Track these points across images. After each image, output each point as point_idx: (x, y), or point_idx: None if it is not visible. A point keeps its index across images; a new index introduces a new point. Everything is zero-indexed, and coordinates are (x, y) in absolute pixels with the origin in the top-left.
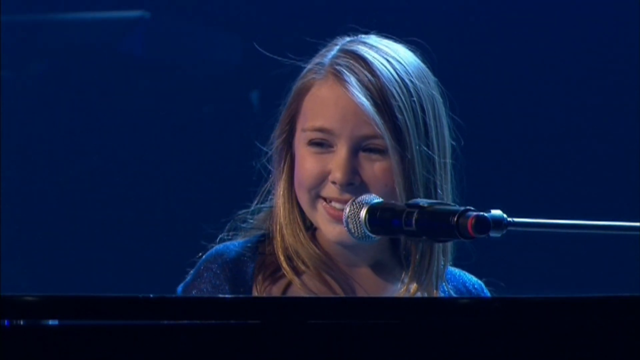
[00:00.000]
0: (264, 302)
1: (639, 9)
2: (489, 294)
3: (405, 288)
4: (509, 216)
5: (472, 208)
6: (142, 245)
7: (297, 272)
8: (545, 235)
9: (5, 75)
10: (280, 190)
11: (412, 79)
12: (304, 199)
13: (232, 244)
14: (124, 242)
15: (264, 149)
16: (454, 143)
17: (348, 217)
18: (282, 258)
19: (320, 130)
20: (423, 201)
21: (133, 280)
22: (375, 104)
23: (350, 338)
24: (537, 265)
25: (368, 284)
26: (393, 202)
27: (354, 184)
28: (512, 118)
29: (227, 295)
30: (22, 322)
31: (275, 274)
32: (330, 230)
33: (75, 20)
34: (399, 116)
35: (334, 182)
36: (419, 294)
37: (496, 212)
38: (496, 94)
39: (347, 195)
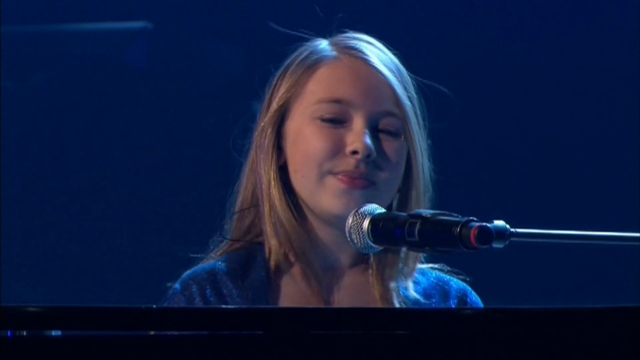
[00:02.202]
0: (267, 313)
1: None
2: (474, 297)
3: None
4: (511, 226)
5: (475, 219)
6: (145, 255)
7: (280, 272)
8: (548, 245)
9: (7, 85)
10: (269, 179)
11: (402, 68)
12: (310, 176)
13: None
14: (128, 252)
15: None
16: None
17: (351, 227)
18: (275, 248)
19: (338, 101)
20: (426, 212)
21: (136, 291)
22: (398, 80)
23: (354, 349)
24: (540, 276)
25: (350, 279)
26: (396, 212)
27: (371, 157)
28: (515, 129)
29: (230, 306)
30: (24, 333)
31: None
32: (336, 203)
33: (78, 31)
34: (414, 96)
35: (354, 152)
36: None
37: (499, 223)
38: (500, 104)
39: (361, 168)
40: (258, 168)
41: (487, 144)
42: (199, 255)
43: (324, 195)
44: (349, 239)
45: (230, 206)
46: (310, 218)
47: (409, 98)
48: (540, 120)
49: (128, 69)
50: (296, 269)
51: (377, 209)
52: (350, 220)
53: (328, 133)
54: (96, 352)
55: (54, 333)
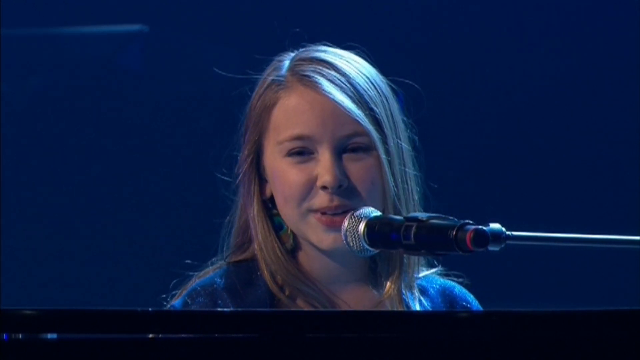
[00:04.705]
0: (262, 316)
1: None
2: (479, 306)
3: (380, 299)
4: (508, 229)
5: (471, 222)
6: (141, 258)
7: (283, 292)
8: (545, 248)
9: (4, 88)
10: (253, 213)
11: (371, 75)
12: (292, 214)
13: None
14: (123, 256)
15: (225, 178)
16: (415, 137)
17: (347, 230)
18: (269, 279)
19: (299, 138)
20: (422, 215)
21: (132, 294)
22: (353, 100)
23: (348, 352)
24: (537, 279)
25: (351, 302)
26: (391, 215)
27: (343, 186)
28: (512, 131)
29: (225, 309)
30: (20, 336)
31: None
32: (324, 238)
33: (74, 34)
34: (376, 109)
35: (324, 187)
36: (387, 303)
37: (495, 226)
38: (496, 105)
39: (337, 200)
40: (245, 202)
41: (482, 145)
42: (192, 273)
43: (309, 232)
44: (344, 241)
45: (225, 235)
46: (305, 246)
47: (375, 108)
48: (536, 121)
49: (124, 72)
50: (296, 296)
51: (373, 212)
52: (346, 224)
53: (299, 169)
54: (92, 355)
55: (49, 336)
